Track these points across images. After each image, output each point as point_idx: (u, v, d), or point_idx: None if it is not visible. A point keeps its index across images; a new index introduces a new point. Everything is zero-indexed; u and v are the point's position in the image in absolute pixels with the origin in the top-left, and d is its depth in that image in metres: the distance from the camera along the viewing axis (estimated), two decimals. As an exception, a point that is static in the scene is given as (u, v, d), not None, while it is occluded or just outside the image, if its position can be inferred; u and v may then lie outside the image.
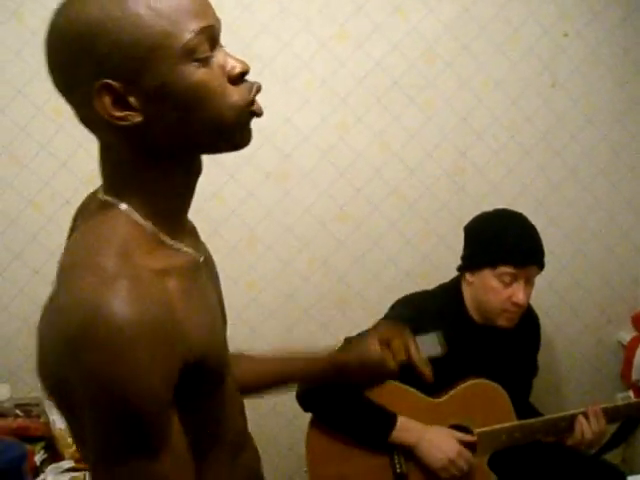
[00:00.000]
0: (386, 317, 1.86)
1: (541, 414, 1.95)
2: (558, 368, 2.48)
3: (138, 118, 0.80)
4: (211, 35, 0.81)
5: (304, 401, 1.79)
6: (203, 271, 0.94)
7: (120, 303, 0.74)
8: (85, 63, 0.78)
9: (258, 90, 0.85)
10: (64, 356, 0.75)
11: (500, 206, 1.94)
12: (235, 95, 0.82)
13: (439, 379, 1.79)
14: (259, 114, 0.86)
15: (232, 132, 0.84)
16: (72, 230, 0.98)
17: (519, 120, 2.25)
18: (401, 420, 1.76)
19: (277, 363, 1.24)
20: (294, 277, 2.24)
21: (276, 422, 2.31)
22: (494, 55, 2.18)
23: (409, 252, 2.28)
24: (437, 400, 1.82)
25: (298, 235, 2.21)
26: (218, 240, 2.14)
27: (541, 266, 1.80)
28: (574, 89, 2.26)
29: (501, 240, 1.77)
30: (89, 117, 0.82)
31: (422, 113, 2.18)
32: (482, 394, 1.83)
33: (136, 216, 0.85)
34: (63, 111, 0.90)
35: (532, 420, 1.80)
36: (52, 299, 0.81)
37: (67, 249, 0.86)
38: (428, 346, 1.24)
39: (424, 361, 1.17)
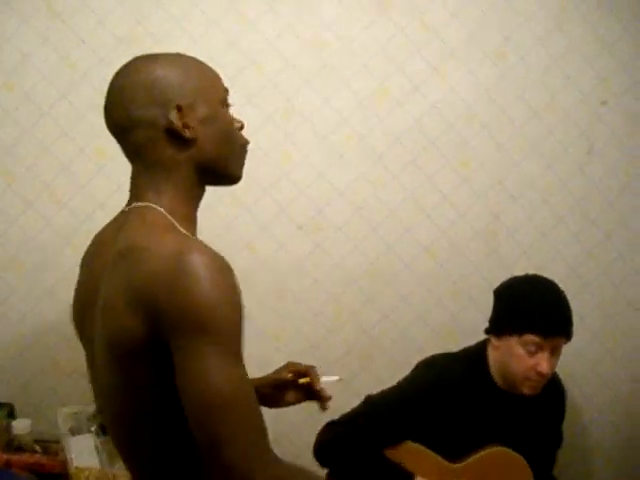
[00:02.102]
0: (409, 378, 1.85)
1: (565, 488, 1.90)
2: (587, 440, 2.41)
3: (193, 135, 1.12)
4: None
5: (320, 456, 1.77)
6: None
7: (202, 247, 1.02)
8: (161, 95, 1.11)
9: None
10: (167, 293, 0.98)
11: (532, 270, 1.91)
12: (242, 136, 1.21)
13: (460, 443, 1.79)
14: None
15: (240, 158, 1.20)
16: (85, 266, 1.24)
17: (554, 185, 2.24)
18: None
19: None
20: (321, 329, 2.23)
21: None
22: (531, 119, 2.19)
23: (438, 312, 2.26)
24: (456, 465, 1.78)
25: (327, 288, 2.21)
26: (248, 289, 2.14)
27: (568, 337, 1.77)
28: (611, 156, 2.25)
29: (528, 308, 1.75)
30: (152, 136, 1.12)
31: (457, 174, 2.19)
32: (502, 463, 1.78)
33: (171, 219, 1.11)
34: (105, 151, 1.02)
35: None
36: (134, 260, 1.03)
37: (126, 236, 1.09)
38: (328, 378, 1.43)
39: (323, 390, 1.36)
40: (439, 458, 1.77)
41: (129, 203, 1.17)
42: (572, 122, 2.22)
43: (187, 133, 1.11)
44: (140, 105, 1.11)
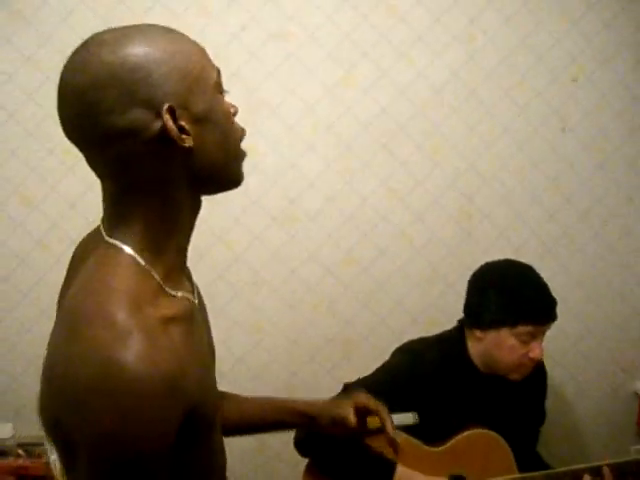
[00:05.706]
0: (385, 364, 1.84)
1: (547, 464, 1.90)
2: (569, 418, 2.42)
3: (190, 142, 0.86)
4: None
5: (301, 447, 1.77)
6: (197, 314, 0.97)
7: (133, 358, 0.76)
8: (142, 91, 0.83)
9: None
10: (70, 404, 0.78)
11: (508, 253, 1.91)
12: (238, 126, 0.96)
13: (440, 428, 1.79)
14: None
15: (240, 155, 0.97)
16: (71, 270, 1.00)
17: (527, 166, 2.23)
18: (400, 469, 1.73)
19: (257, 407, 1.30)
20: (299, 321, 2.23)
21: (279, 468, 2.29)
22: (501, 100, 2.18)
23: (416, 297, 2.26)
24: (437, 449, 1.78)
25: (304, 279, 2.21)
26: (223, 284, 2.15)
27: (556, 319, 1.78)
28: (584, 134, 2.24)
29: (519, 299, 1.73)
30: (133, 150, 0.84)
31: (428, 159, 2.18)
32: (482, 444, 1.79)
33: (141, 261, 0.87)
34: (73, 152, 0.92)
35: (533, 473, 1.74)
36: (59, 344, 0.83)
37: (74, 294, 0.86)
38: (402, 420, 1.33)
39: (396, 434, 1.23)
40: (419, 443, 1.78)
41: (102, 224, 0.92)
42: (544, 101, 2.21)
43: (185, 141, 0.86)
44: (113, 109, 0.82)
